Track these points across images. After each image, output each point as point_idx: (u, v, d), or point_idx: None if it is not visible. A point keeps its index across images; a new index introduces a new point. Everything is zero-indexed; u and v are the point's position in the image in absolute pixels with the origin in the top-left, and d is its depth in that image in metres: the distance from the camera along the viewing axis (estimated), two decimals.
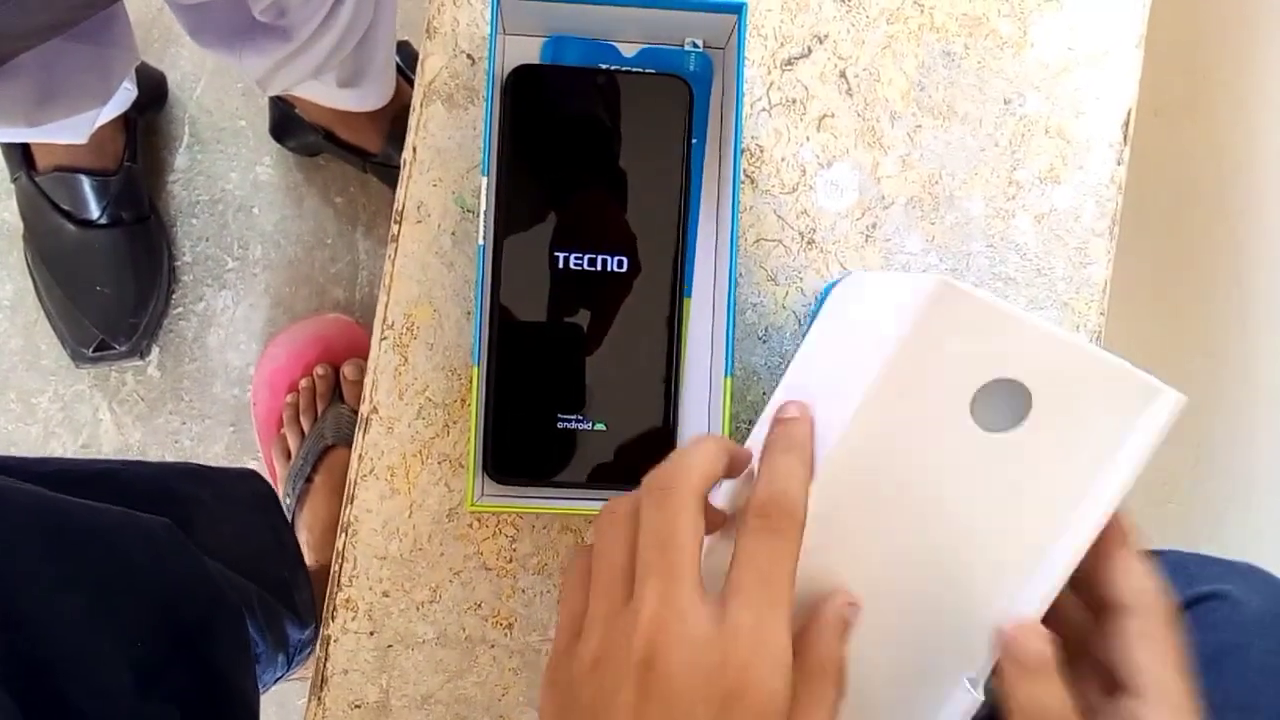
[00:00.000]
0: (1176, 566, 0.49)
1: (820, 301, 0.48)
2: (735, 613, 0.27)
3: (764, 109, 0.49)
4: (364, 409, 0.47)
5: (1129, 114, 0.51)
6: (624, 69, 0.46)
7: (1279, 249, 1.03)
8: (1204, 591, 0.45)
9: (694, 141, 0.46)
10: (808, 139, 0.49)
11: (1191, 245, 1.04)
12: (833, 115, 0.49)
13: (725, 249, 0.45)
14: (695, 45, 0.47)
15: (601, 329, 0.45)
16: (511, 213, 0.44)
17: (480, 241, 0.43)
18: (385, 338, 0.47)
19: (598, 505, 0.43)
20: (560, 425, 0.45)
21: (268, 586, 0.61)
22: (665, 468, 0.30)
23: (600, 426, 0.45)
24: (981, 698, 0.32)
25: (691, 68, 0.47)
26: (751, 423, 0.48)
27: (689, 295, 0.46)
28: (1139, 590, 0.32)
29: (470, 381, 0.45)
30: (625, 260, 0.45)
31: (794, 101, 0.49)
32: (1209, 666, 0.42)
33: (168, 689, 0.46)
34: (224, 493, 0.65)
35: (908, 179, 0.49)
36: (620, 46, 0.47)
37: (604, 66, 0.45)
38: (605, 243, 0.45)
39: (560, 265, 0.44)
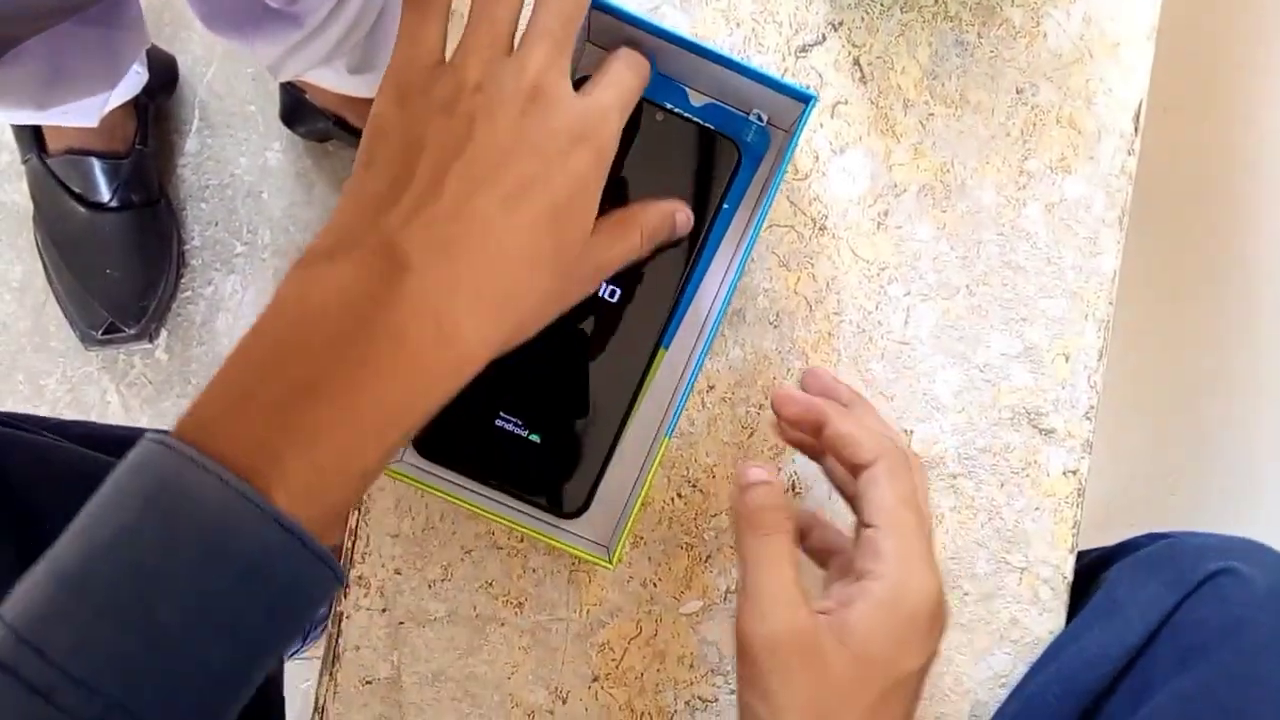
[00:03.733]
0: (1187, 546, 0.49)
1: None
2: (597, 93, 0.37)
3: None
4: None
5: (1140, 105, 0.51)
6: (684, 114, 0.45)
7: None
8: (1214, 568, 0.45)
9: (726, 206, 0.46)
10: (821, 125, 0.49)
11: (1199, 241, 1.04)
12: (846, 102, 0.50)
13: (710, 314, 0.46)
14: (760, 118, 0.47)
15: (574, 349, 0.45)
16: None
17: None
18: None
19: (508, 512, 0.44)
20: (499, 423, 0.44)
21: None
22: None
23: (535, 439, 0.44)
24: None
25: (749, 138, 0.47)
26: (762, 407, 0.49)
27: (666, 346, 0.46)
28: (872, 446, 0.39)
29: None
30: (619, 291, 0.44)
31: (808, 88, 0.49)
32: (1218, 640, 0.43)
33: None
34: None
35: (920, 167, 0.50)
36: (690, 93, 0.47)
37: (667, 106, 0.45)
38: None
39: None
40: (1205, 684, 0.42)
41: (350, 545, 0.48)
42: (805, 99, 0.42)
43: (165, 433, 0.30)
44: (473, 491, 0.45)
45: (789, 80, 0.43)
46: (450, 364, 0.32)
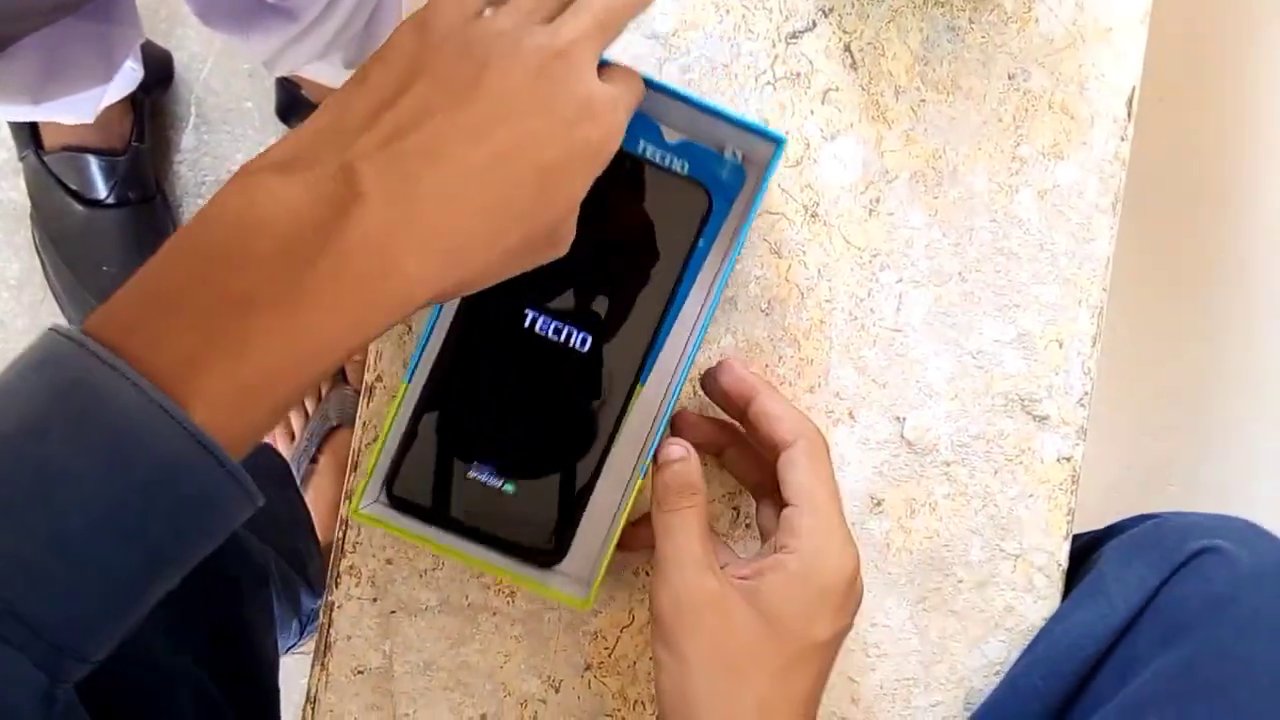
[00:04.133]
0: (1173, 526, 0.49)
1: None
2: (611, 86, 0.35)
3: (768, 82, 0.49)
4: (368, 377, 0.47)
5: (1133, 90, 0.51)
6: (654, 161, 0.44)
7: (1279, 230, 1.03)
8: (1198, 547, 0.45)
9: (700, 245, 0.45)
10: (812, 113, 0.49)
11: (1195, 231, 1.04)
12: (837, 89, 0.49)
13: (685, 351, 0.45)
14: (734, 155, 0.46)
15: (548, 399, 0.44)
16: None
17: None
18: None
19: (478, 555, 0.43)
20: (472, 474, 0.43)
21: (284, 555, 0.62)
22: None
23: (509, 489, 0.44)
24: None
25: (724, 176, 0.46)
26: None
27: (643, 383, 0.45)
28: (793, 426, 0.41)
29: (396, 395, 0.43)
30: (590, 340, 0.43)
31: (798, 75, 0.49)
32: (1202, 618, 0.43)
33: (195, 641, 0.48)
34: (245, 461, 0.67)
35: (911, 153, 0.50)
36: (665, 130, 0.46)
37: (635, 153, 0.44)
38: (577, 317, 0.43)
39: (526, 323, 0.43)
40: (1187, 662, 0.42)
41: (341, 535, 0.48)
42: (775, 140, 0.42)
43: (74, 328, 0.28)
44: (448, 538, 0.44)
45: (759, 122, 0.43)
46: (389, 302, 0.31)
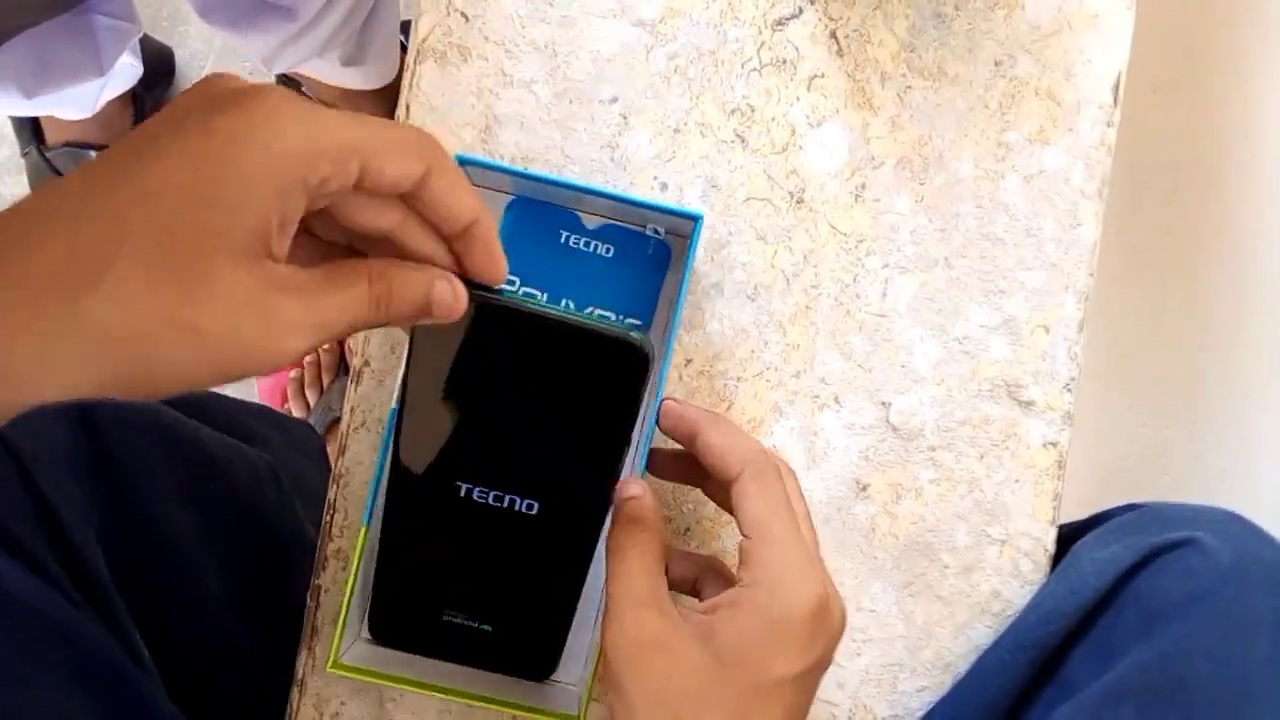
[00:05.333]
0: (1154, 515, 0.49)
1: None
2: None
3: (755, 69, 0.49)
4: (356, 362, 0.48)
5: (1119, 77, 0.51)
6: (582, 323, 0.39)
7: (1274, 223, 1.03)
8: (1176, 538, 0.45)
9: (641, 403, 0.40)
10: (798, 99, 0.50)
11: (1188, 220, 1.03)
12: (823, 76, 0.50)
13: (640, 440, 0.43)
14: (656, 232, 0.47)
15: (501, 555, 0.42)
16: (417, 425, 0.39)
17: (393, 405, 0.41)
18: None
19: (469, 684, 0.43)
20: (446, 618, 0.42)
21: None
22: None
23: (486, 628, 0.43)
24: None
25: (650, 252, 0.47)
26: (740, 380, 0.49)
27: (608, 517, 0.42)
28: (737, 458, 0.39)
29: (357, 541, 0.43)
30: (536, 506, 0.41)
31: (784, 62, 0.50)
32: (1180, 611, 0.43)
33: (250, 610, 0.50)
34: (291, 438, 0.68)
35: (897, 140, 0.50)
36: (584, 217, 0.47)
37: (561, 317, 0.39)
38: (517, 485, 0.40)
39: (463, 495, 0.40)
40: (1163, 656, 0.42)
41: (329, 519, 0.48)
42: (693, 218, 0.43)
43: None
44: (436, 674, 0.43)
45: (671, 204, 0.44)
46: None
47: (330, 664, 0.41)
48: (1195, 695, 0.40)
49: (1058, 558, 0.50)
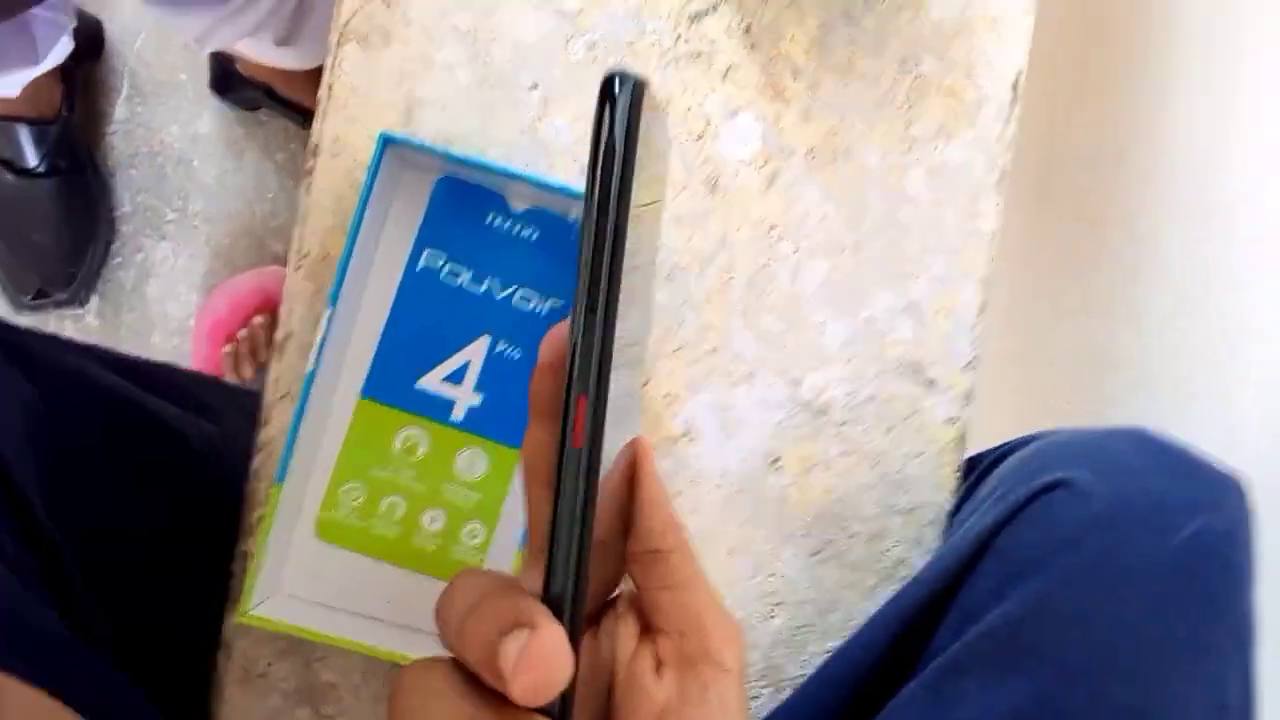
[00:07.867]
0: (1041, 452, 0.46)
1: None
2: None
3: (672, 61, 0.52)
4: (279, 335, 0.49)
5: (1019, 76, 0.54)
6: None
7: (1173, 217, 1.08)
8: (1041, 484, 0.41)
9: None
10: (713, 90, 0.52)
11: (1091, 211, 1.08)
12: (737, 68, 0.52)
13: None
14: (579, 220, 0.48)
15: None
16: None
17: (310, 368, 0.44)
18: (300, 266, 0.50)
19: (386, 641, 0.43)
20: None
21: None
22: None
23: None
24: None
25: (573, 237, 0.48)
26: (657, 358, 0.51)
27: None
28: (676, 537, 0.32)
29: (271, 497, 0.45)
30: None
31: (700, 54, 0.52)
32: (1035, 566, 0.38)
33: (201, 581, 0.49)
34: (238, 408, 0.68)
35: (808, 131, 0.52)
36: (510, 200, 0.48)
37: None
38: None
39: None
40: (1012, 619, 0.37)
41: (254, 488, 0.50)
42: None
43: None
44: (349, 629, 0.44)
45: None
46: None
47: (241, 614, 0.43)
48: (1047, 663, 0.35)
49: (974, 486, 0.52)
